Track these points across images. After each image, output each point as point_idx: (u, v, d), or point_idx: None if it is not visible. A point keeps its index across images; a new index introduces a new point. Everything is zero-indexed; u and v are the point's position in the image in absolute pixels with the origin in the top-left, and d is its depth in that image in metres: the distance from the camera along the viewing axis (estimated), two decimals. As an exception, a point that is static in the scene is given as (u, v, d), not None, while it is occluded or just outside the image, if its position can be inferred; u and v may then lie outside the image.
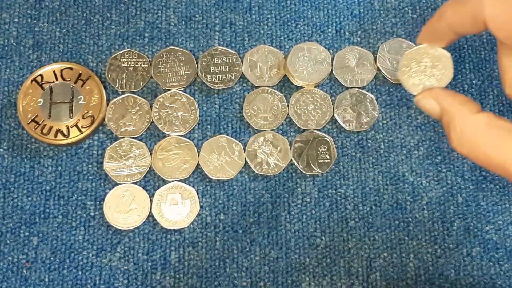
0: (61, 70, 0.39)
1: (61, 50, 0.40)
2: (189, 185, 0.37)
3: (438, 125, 0.39)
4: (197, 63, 0.39)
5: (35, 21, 0.40)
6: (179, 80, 0.39)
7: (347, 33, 0.41)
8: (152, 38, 0.40)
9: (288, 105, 0.39)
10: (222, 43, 0.40)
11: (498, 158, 0.26)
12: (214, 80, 0.39)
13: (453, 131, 0.28)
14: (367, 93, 0.39)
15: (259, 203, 0.37)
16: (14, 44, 0.40)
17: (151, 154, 0.38)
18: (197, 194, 0.37)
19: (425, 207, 0.37)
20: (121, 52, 0.39)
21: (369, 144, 0.39)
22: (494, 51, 0.40)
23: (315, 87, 0.39)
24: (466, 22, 0.28)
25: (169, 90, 0.39)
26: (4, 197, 0.37)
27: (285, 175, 0.38)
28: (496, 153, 0.26)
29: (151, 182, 0.38)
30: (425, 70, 0.31)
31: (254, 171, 0.38)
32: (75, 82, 0.38)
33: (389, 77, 0.39)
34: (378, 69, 0.40)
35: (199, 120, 0.39)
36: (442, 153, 0.38)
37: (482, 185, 0.38)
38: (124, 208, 0.37)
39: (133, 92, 0.39)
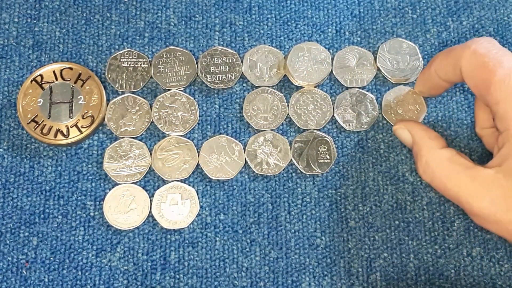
0: (61, 70, 0.39)
1: (61, 50, 0.40)
2: (189, 185, 0.37)
3: (438, 125, 0.39)
4: (197, 63, 0.39)
5: (35, 21, 0.40)
6: (179, 80, 0.39)
7: (347, 33, 0.41)
8: (152, 38, 0.40)
9: (288, 105, 0.39)
10: (222, 43, 0.40)
11: (453, 189, 0.31)
12: (214, 80, 0.39)
13: (420, 161, 0.33)
14: (367, 93, 0.39)
15: (259, 203, 0.37)
16: (14, 44, 0.40)
17: (151, 154, 0.38)
18: (197, 194, 0.37)
19: (425, 207, 0.37)
20: (121, 52, 0.39)
21: (369, 144, 0.39)
22: (494, 51, 0.40)
23: (315, 87, 0.39)
24: (449, 70, 0.33)
25: (169, 90, 0.39)
26: (4, 197, 0.37)
27: (285, 175, 0.38)
28: (452, 185, 0.31)
29: (151, 182, 0.38)
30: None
31: (254, 171, 0.38)
32: (75, 82, 0.38)
33: (389, 77, 0.39)
34: (378, 69, 0.40)
35: (199, 120, 0.39)
36: (442, 153, 0.38)
37: (482, 185, 0.38)
38: (124, 208, 0.37)
39: (133, 92, 0.39)
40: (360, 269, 0.36)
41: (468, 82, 0.32)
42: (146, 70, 0.39)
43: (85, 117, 0.38)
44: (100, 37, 0.40)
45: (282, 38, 0.40)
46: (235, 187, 0.38)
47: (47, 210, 0.37)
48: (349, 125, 0.39)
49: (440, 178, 0.32)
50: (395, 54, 0.40)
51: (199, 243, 0.37)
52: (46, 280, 0.36)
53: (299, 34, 0.40)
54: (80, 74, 0.38)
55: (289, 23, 0.41)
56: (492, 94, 0.30)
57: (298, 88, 0.39)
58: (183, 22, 0.41)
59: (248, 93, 0.39)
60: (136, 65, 0.39)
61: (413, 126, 0.36)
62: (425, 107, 0.39)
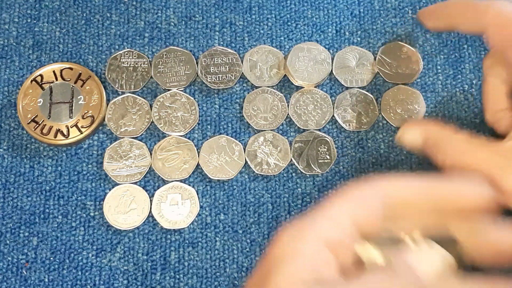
0: (61, 70, 0.39)
1: (61, 50, 0.40)
2: (189, 185, 0.37)
3: (438, 125, 0.39)
4: (197, 63, 0.39)
5: (35, 21, 0.40)
6: (179, 80, 0.39)
7: (347, 33, 0.41)
8: (152, 38, 0.40)
9: (288, 105, 0.39)
10: (222, 43, 0.40)
11: (474, 165, 0.30)
12: (214, 80, 0.39)
13: (439, 151, 0.32)
14: (367, 93, 0.39)
15: (259, 203, 0.37)
16: (14, 44, 0.40)
17: (151, 154, 0.38)
18: (197, 194, 0.37)
19: (425, 207, 0.37)
20: (121, 52, 0.39)
21: (369, 144, 0.39)
22: (494, 51, 0.40)
23: (315, 87, 0.39)
24: (469, 23, 0.34)
25: (169, 90, 0.39)
26: (4, 197, 0.37)
27: (285, 175, 0.38)
28: (475, 163, 0.30)
29: (151, 182, 0.38)
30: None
31: (254, 171, 0.38)
32: (75, 82, 0.38)
33: (388, 80, 0.39)
34: (378, 73, 0.39)
35: (199, 120, 0.39)
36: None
37: (482, 185, 0.38)
38: (124, 208, 0.37)
39: (133, 92, 0.39)
40: (360, 269, 0.36)
41: (492, 38, 0.32)
42: (146, 70, 0.39)
43: (85, 117, 0.38)
44: (100, 37, 0.40)
45: (282, 38, 0.40)
46: (235, 187, 0.38)
47: (47, 210, 0.37)
48: (349, 125, 0.39)
49: (462, 161, 0.31)
50: (395, 57, 0.40)
51: (199, 243, 0.37)
52: (46, 280, 0.36)
53: (299, 34, 0.40)
54: (80, 74, 0.38)
55: (289, 23, 0.41)
56: None
57: (298, 88, 0.39)
58: (183, 22, 0.41)
59: (248, 93, 0.39)
60: (136, 65, 0.39)
61: (419, 124, 0.35)
62: (425, 107, 0.39)
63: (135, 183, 0.37)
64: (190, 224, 0.37)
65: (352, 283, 0.24)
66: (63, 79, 0.38)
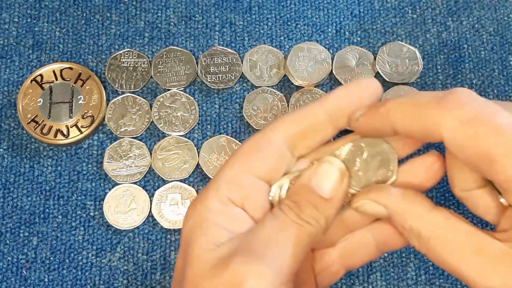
0: (61, 70, 0.39)
1: (61, 50, 0.40)
2: (189, 185, 0.37)
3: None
4: (197, 63, 0.39)
5: (35, 21, 0.40)
6: (179, 80, 0.39)
7: (347, 33, 0.41)
8: (152, 38, 0.40)
9: (288, 105, 0.39)
10: (222, 43, 0.40)
11: (454, 264, 0.24)
12: (214, 80, 0.39)
13: (409, 233, 0.25)
14: (367, 93, 0.39)
15: (259, 203, 0.37)
16: (14, 44, 0.40)
17: (151, 154, 0.38)
18: (197, 194, 0.37)
19: (425, 207, 0.37)
20: (121, 52, 0.39)
21: (369, 144, 0.39)
22: (494, 51, 0.40)
23: (315, 87, 0.39)
24: (419, 132, 0.25)
25: (169, 90, 0.39)
26: (3, 197, 0.37)
27: (285, 175, 0.38)
28: (453, 258, 0.24)
29: (151, 182, 0.38)
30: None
31: (254, 171, 0.38)
32: (75, 82, 0.38)
33: (387, 80, 0.39)
34: (378, 73, 0.39)
35: (199, 120, 0.39)
36: (442, 152, 0.38)
37: (482, 185, 0.38)
38: (124, 208, 0.37)
39: (133, 92, 0.39)
40: (360, 269, 0.36)
41: (458, 155, 0.24)
42: (146, 70, 0.39)
43: (85, 117, 0.38)
44: (100, 37, 0.40)
45: (282, 38, 0.40)
46: (235, 187, 0.38)
47: (47, 210, 0.37)
48: (349, 125, 0.38)
49: (438, 252, 0.24)
50: (395, 57, 0.40)
51: (199, 243, 0.37)
52: (46, 280, 0.36)
53: (299, 34, 0.40)
54: (80, 74, 0.39)
55: (289, 23, 0.41)
56: (498, 171, 0.23)
57: (298, 88, 0.39)
58: (183, 22, 0.41)
59: (248, 93, 0.39)
60: (136, 65, 0.39)
61: (381, 196, 0.26)
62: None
63: (135, 183, 0.37)
64: (190, 224, 0.37)
65: (257, 227, 0.25)
66: (63, 79, 0.38)
